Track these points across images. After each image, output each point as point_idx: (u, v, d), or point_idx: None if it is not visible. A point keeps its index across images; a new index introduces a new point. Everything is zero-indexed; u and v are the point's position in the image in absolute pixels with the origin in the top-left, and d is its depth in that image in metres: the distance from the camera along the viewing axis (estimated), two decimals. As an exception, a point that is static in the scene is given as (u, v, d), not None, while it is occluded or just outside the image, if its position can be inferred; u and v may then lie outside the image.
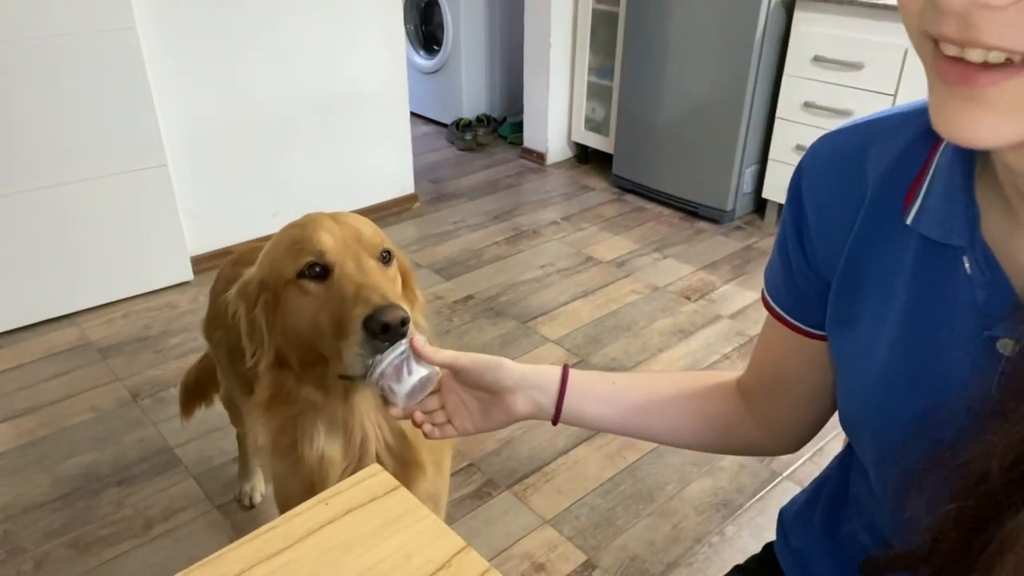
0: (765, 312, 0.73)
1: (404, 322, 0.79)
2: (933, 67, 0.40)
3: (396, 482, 0.76)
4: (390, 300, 0.81)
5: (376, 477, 0.77)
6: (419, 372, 0.77)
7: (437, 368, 0.79)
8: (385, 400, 0.82)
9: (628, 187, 3.46)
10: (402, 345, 0.78)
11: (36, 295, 2.39)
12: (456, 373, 0.79)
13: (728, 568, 0.87)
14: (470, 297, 2.62)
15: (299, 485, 0.98)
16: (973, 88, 0.38)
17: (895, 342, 0.57)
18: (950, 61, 0.39)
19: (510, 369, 0.77)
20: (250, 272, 0.96)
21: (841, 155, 0.62)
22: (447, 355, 0.78)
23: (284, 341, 0.91)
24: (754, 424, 0.77)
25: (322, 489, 0.95)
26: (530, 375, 0.78)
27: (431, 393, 0.82)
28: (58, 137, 2.27)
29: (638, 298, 2.61)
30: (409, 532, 0.70)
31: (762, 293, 0.73)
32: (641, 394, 0.79)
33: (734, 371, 0.81)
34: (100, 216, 2.42)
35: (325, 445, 0.94)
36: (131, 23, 2.28)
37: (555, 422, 0.79)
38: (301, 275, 0.87)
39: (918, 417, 0.55)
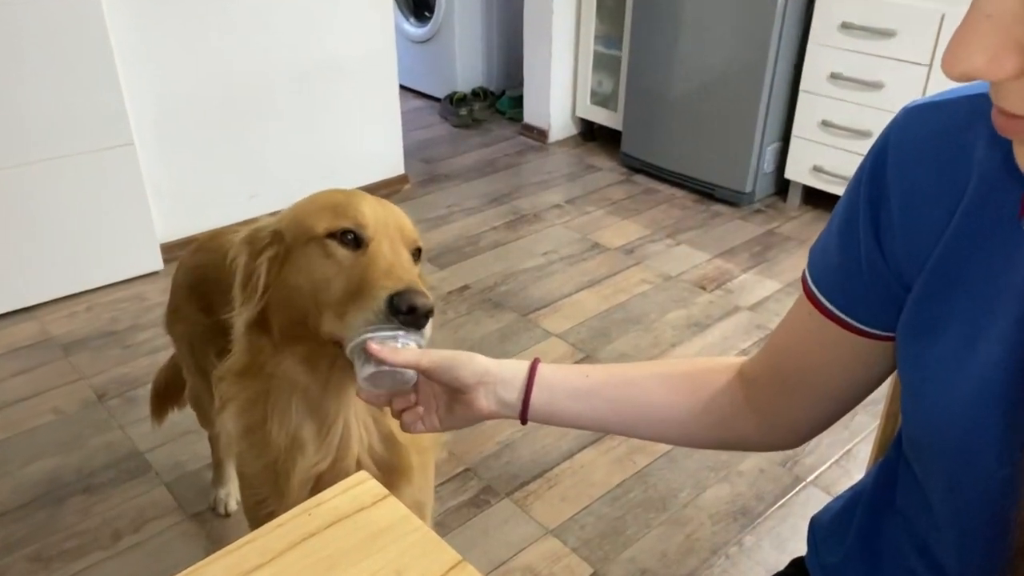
0: (787, 301, 0.72)
1: (429, 313, 0.81)
2: None
3: (385, 491, 0.76)
4: (422, 287, 0.83)
5: (363, 485, 0.77)
6: (379, 365, 0.77)
7: (408, 371, 0.79)
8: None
9: (638, 167, 3.45)
10: (400, 332, 0.79)
11: (-8, 286, 2.39)
12: (422, 372, 0.80)
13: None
14: (466, 287, 2.61)
15: (263, 470, 0.98)
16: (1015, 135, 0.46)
17: (1003, 361, 0.54)
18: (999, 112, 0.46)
19: (471, 365, 0.78)
20: (264, 220, 0.96)
21: (942, 133, 0.58)
22: (408, 357, 0.77)
23: (276, 301, 0.92)
24: (752, 417, 0.76)
25: (287, 478, 0.95)
26: (493, 370, 0.78)
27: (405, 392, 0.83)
28: (13, 114, 2.26)
29: (649, 288, 2.61)
30: (399, 545, 0.70)
31: (803, 277, 0.70)
32: (619, 387, 0.79)
33: (737, 357, 0.80)
34: (60, 200, 2.41)
35: (297, 427, 0.94)
36: (93, -12, 2.27)
37: (523, 421, 0.79)
38: (331, 236, 0.88)
39: (1017, 448, 0.52)
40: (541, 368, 0.79)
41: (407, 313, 0.79)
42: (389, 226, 0.90)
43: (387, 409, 0.94)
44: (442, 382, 0.79)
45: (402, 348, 0.78)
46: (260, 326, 0.94)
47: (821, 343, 0.70)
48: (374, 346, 0.77)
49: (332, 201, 0.92)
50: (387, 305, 0.80)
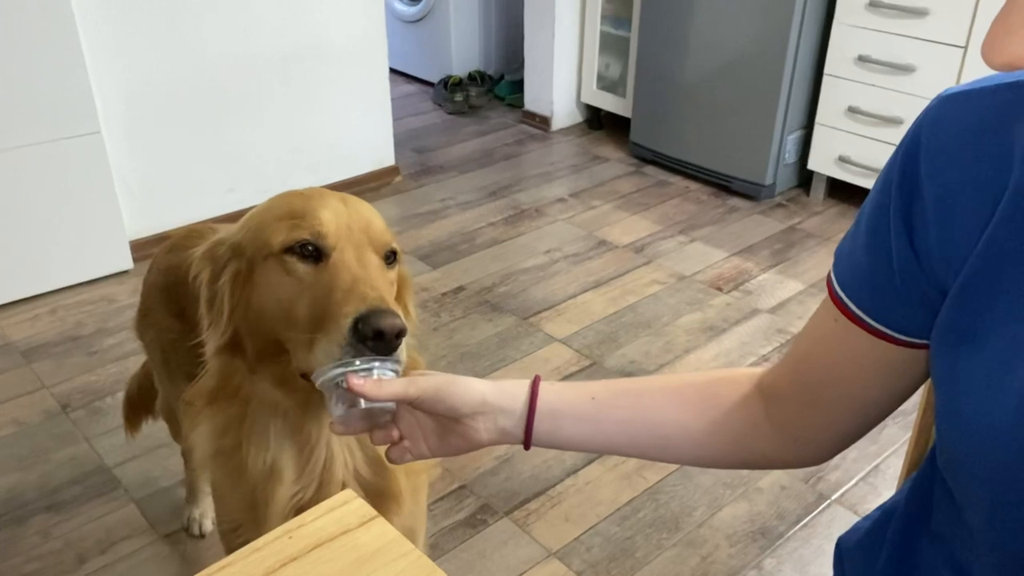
0: (810, 303, 0.72)
1: (400, 334, 0.79)
2: None
3: (372, 511, 0.76)
4: (389, 305, 0.81)
5: (349, 505, 0.77)
6: (354, 402, 0.77)
7: (389, 404, 0.78)
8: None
9: (648, 157, 3.45)
10: (375, 363, 0.77)
11: (-53, 287, 2.39)
12: (411, 403, 0.79)
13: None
14: (461, 288, 2.61)
15: (240, 498, 0.98)
16: None
17: None
18: None
19: (467, 392, 0.77)
20: (226, 231, 0.95)
21: (979, 124, 0.58)
22: (393, 389, 0.76)
23: (245, 323, 0.91)
24: (772, 433, 0.77)
25: (266, 508, 0.95)
26: (492, 396, 0.77)
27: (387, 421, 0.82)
28: (-29, 99, 2.26)
29: (660, 289, 2.61)
30: (389, 570, 0.70)
31: (828, 279, 0.70)
32: (627, 409, 0.79)
33: (754, 368, 0.80)
34: (20, 194, 2.40)
35: (275, 454, 0.94)
36: (57, -37, 2.27)
37: (527, 447, 0.79)
38: (289, 251, 0.87)
39: None
40: (543, 391, 0.79)
41: (375, 339, 0.77)
42: (353, 230, 0.88)
43: None
44: (434, 412, 0.78)
45: (383, 380, 0.76)
46: (232, 347, 0.93)
47: (848, 351, 0.69)
48: (355, 381, 0.75)
49: (289, 208, 0.90)
50: (352, 333, 0.78)
